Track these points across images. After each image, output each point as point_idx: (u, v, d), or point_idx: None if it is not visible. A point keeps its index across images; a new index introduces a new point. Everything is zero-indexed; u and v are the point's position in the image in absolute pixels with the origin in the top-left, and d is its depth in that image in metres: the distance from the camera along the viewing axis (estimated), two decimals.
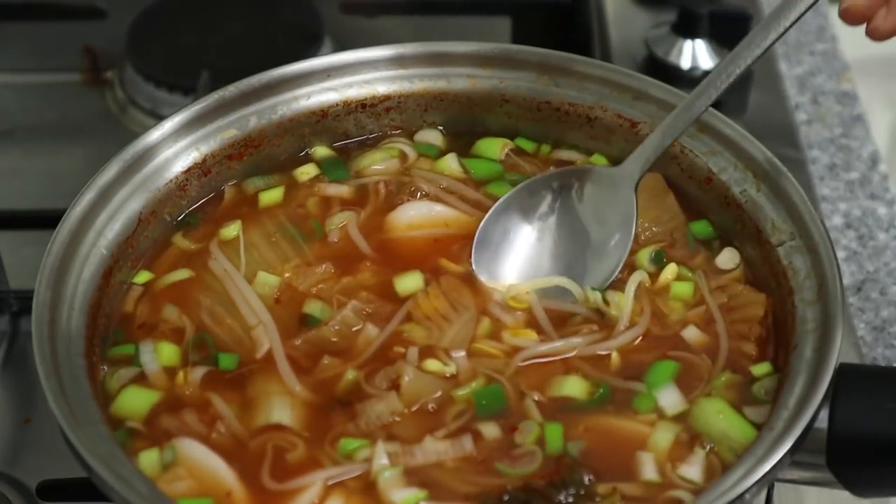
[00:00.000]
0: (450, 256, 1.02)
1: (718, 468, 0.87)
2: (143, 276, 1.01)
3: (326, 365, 0.93)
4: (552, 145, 1.12)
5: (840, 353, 0.86)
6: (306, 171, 1.10)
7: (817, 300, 0.91)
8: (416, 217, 1.05)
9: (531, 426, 0.89)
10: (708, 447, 0.88)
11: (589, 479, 0.85)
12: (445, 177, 1.09)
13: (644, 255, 1.00)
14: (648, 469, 0.86)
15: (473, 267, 1.00)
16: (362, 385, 0.92)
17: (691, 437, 0.89)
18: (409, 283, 0.99)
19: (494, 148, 1.12)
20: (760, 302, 0.96)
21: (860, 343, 1.19)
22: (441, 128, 1.14)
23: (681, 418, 0.90)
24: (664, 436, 0.88)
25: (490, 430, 0.89)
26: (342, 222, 1.05)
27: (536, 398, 0.91)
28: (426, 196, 1.07)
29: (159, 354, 0.94)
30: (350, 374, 0.92)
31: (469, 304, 0.98)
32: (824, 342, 0.87)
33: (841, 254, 1.28)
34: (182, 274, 1.01)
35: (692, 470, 0.87)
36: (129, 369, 0.94)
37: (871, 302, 1.24)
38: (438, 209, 1.06)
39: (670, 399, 0.90)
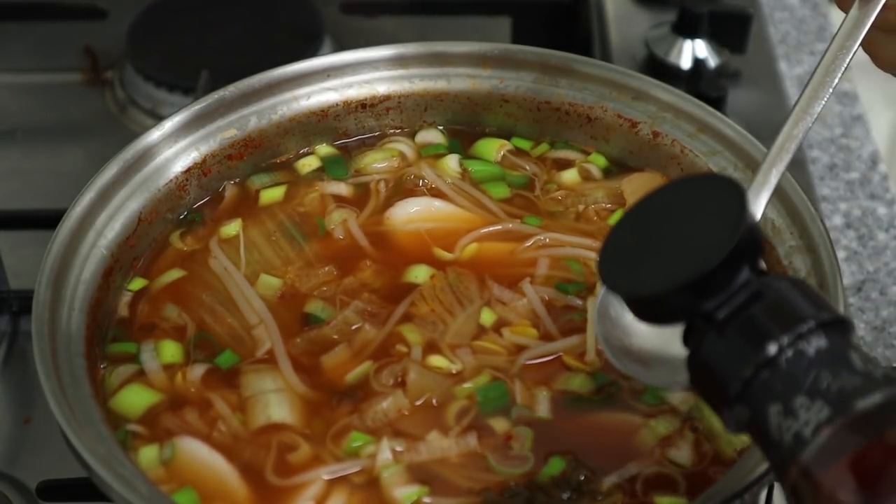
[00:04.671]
0: (449, 250, 1.02)
1: (708, 453, 0.87)
2: (137, 283, 1.01)
3: (336, 352, 0.94)
4: (550, 144, 1.12)
5: None
6: (308, 163, 1.11)
7: None
8: (415, 213, 1.05)
9: (524, 432, 0.89)
10: (697, 430, 0.88)
11: (585, 477, 0.85)
12: (446, 175, 1.09)
13: None
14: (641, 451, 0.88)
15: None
16: (370, 379, 0.92)
17: (683, 421, 0.89)
18: (419, 273, 1.00)
19: (491, 149, 1.12)
20: None
21: (860, 343, 1.20)
22: (441, 127, 1.14)
23: (683, 412, 0.90)
24: (664, 427, 0.89)
25: (493, 428, 0.89)
26: (342, 219, 1.05)
27: (542, 395, 0.91)
28: (426, 192, 1.07)
29: (160, 353, 0.94)
30: (363, 367, 0.92)
31: (474, 297, 0.98)
32: None
33: (841, 254, 1.28)
34: (175, 274, 1.01)
35: (681, 453, 0.87)
36: (128, 366, 0.94)
37: (871, 302, 1.24)
38: (438, 205, 1.06)
39: (677, 394, 0.90)
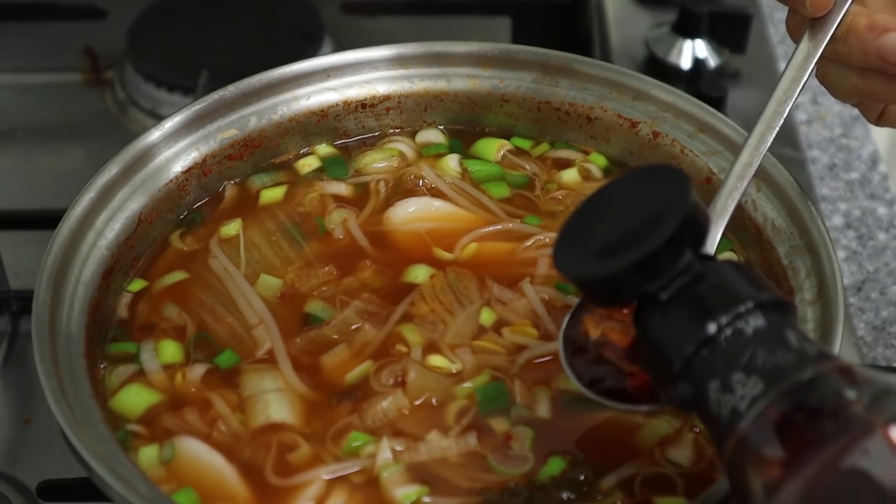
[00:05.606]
0: (449, 250, 1.02)
1: (708, 453, 0.87)
2: (138, 284, 1.01)
3: (336, 352, 0.94)
4: (550, 144, 1.12)
5: (840, 353, 0.86)
6: (308, 164, 1.11)
7: (817, 300, 0.91)
8: (415, 212, 1.05)
9: (524, 432, 0.89)
10: (696, 430, 0.88)
11: (585, 477, 0.85)
12: (446, 175, 1.09)
13: None
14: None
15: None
16: (370, 379, 0.92)
17: (682, 421, 0.89)
18: (419, 273, 1.00)
19: (492, 149, 1.12)
20: None
21: (860, 343, 1.20)
22: (441, 127, 1.14)
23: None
24: (664, 427, 0.89)
25: (493, 428, 0.89)
26: (342, 219, 1.05)
27: (542, 395, 0.91)
28: (426, 192, 1.07)
29: (160, 353, 0.94)
30: (363, 367, 0.92)
31: (474, 297, 0.98)
32: (824, 342, 0.87)
33: (841, 254, 1.28)
34: (178, 276, 1.01)
35: (680, 453, 0.87)
36: (128, 366, 0.94)
37: (871, 302, 1.24)
38: (438, 204, 1.06)
39: None
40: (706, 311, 0.74)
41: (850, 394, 0.69)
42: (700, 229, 0.78)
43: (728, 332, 0.73)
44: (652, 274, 0.76)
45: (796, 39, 0.93)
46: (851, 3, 0.90)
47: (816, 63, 0.92)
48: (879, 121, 0.97)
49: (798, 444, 0.68)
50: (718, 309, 0.73)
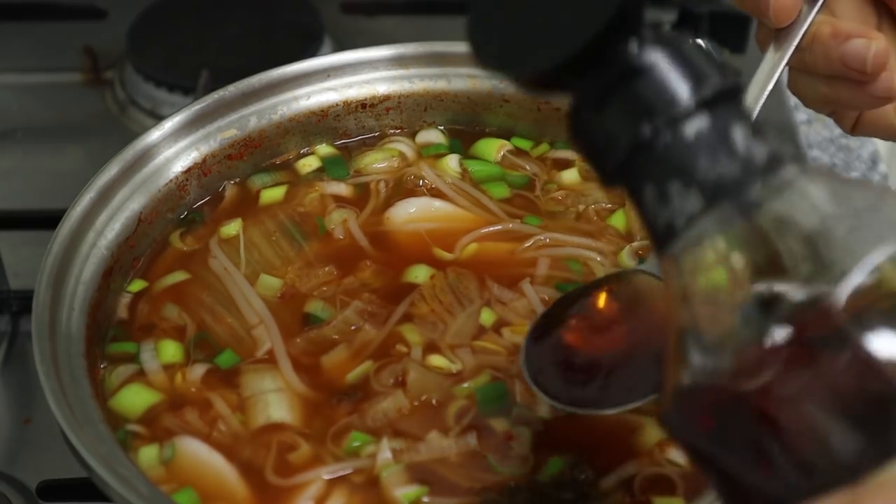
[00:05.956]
0: (449, 250, 1.02)
1: None
2: (138, 285, 1.01)
3: (336, 352, 0.94)
4: (550, 144, 1.13)
5: None
6: (308, 164, 1.11)
7: None
8: (415, 213, 1.05)
9: (524, 432, 0.89)
10: None
11: (585, 477, 0.85)
12: (446, 176, 1.09)
13: (624, 254, 1.01)
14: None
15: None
16: (370, 379, 0.92)
17: None
18: (419, 273, 1.00)
19: (492, 149, 1.12)
20: None
21: None
22: (441, 127, 1.14)
23: None
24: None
25: (493, 427, 0.89)
26: (342, 219, 1.05)
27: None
28: (426, 192, 1.07)
29: (160, 353, 0.94)
30: (363, 367, 0.93)
31: (474, 297, 0.98)
32: None
33: None
34: (179, 276, 1.01)
35: (680, 453, 0.87)
36: (128, 366, 0.94)
37: None
38: (438, 205, 1.06)
39: None
40: (642, 110, 0.63)
41: (805, 224, 0.59)
42: (639, 10, 0.68)
43: (668, 136, 0.62)
44: (585, 67, 0.65)
45: (764, 51, 0.93)
46: (817, 12, 0.90)
47: (787, 73, 0.92)
48: (854, 130, 0.97)
49: (738, 275, 0.59)
50: (656, 108, 0.63)
